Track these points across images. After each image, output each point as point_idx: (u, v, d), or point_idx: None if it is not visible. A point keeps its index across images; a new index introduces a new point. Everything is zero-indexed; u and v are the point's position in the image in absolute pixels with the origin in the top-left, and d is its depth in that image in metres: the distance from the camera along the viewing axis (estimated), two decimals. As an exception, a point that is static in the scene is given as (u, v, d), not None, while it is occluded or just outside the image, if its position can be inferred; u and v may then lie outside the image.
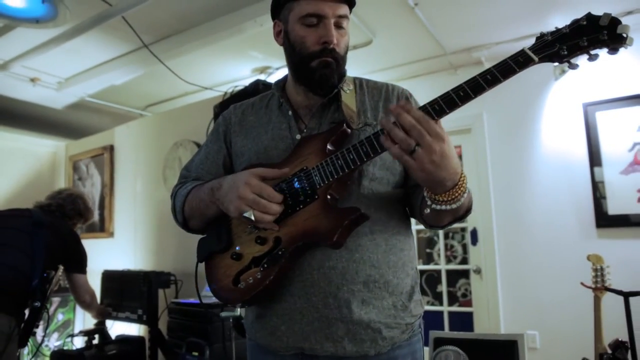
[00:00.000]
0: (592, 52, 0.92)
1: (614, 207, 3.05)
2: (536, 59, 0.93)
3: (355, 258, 1.08)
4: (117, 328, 3.13)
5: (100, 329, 2.82)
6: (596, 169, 3.11)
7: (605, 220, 3.07)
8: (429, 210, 1.02)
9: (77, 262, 2.59)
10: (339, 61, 1.16)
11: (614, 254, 2.95)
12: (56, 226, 2.50)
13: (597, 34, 0.90)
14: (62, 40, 2.86)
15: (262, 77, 3.76)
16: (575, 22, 0.93)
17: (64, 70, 3.64)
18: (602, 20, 0.90)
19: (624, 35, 0.88)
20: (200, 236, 1.26)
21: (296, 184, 1.09)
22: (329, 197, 1.06)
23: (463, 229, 3.69)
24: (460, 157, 3.78)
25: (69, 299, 3.60)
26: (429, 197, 1.00)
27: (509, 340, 1.72)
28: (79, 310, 3.63)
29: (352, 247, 1.08)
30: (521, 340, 1.70)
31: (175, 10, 2.77)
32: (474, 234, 3.61)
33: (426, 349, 1.91)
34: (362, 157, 1.02)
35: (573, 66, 0.95)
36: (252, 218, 1.05)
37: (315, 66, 1.14)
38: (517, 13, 2.92)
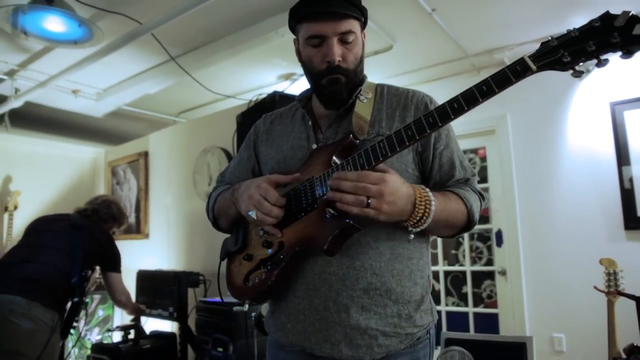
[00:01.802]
0: (602, 57, 0.83)
1: (643, 208, 2.97)
2: (534, 67, 0.88)
3: (355, 265, 1.11)
4: (151, 324, 3.32)
5: (136, 324, 3.01)
6: (624, 170, 3.04)
7: (634, 222, 2.99)
8: (412, 236, 1.08)
9: (111, 261, 2.77)
10: (349, 75, 1.19)
11: (643, 256, 2.90)
12: (92, 229, 2.68)
13: (607, 37, 0.81)
14: (98, 57, 3.07)
15: (287, 83, 3.88)
16: (588, 24, 0.85)
17: (102, 82, 3.88)
18: (618, 21, 0.80)
19: None
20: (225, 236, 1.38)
21: (301, 193, 1.16)
22: (327, 207, 1.10)
23: (488, 231, 3.68)
24: (484, 158, 3.77)
25: (108, 296, 3.84)
26: (406, 227, 1.06)
27: (517, 343, 1.75)
28: (117, 307, 3.86)
29: (353, 255, 1.11)
30: (530, 343, 1.73)
31: (201, 25, 2.91)
32: (499, 235, 3.59)
33: (439, 348, 1.97)
34: (358, 168, 1.06)
35: (577, 73, 0.87)
36: (255, 218, 1.15)
37: (325, 84, 1.19)
38: (538, 13, 2.89)
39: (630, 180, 3.01)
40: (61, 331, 2.37)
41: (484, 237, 3.75)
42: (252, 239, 1.26)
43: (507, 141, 3.53)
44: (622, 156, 3.05)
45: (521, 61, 0.89)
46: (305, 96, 1.34)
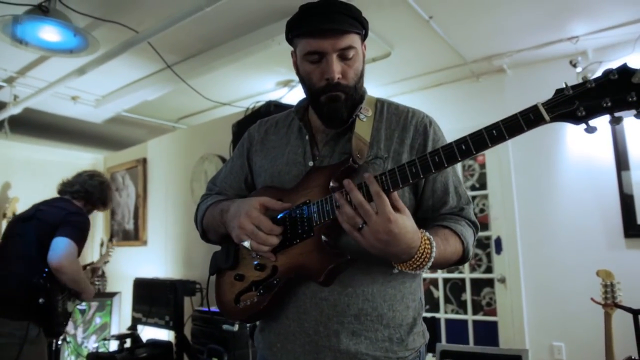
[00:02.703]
0: (617, 114, 0.79)
1: (643, 216, 2.95)
2: (548, 118, 0.83)
3: (347, 292, 1.09)
4: (147, 332, 3.31)
5: (132, 333, 3.00)
6: (624, 178, 3.02)
7: (634, 229, 2.97)
8: (396, 271, 1.05)
9: (65, 226, 2.32)
10: (348, 92, 1.15)
11: (644, 265, 2.87)
12: (48, 210, 2.40)
13: (624, 95, 0.77)
14: (96, 64, 3.08)
15: (285, 90, 3.88)
16: (605, 76, 0.80)
17: (101, 89, 3.89)
18: (636, 77, 0.76)
19: None
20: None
21: (297, 218, 1.12)
22: (323, 236, 1.08)
23: (487, 238, 3.66)
24: (483, 165, 3.75)
25: (106, 303, 3.84)
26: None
27: (513, 355, 1.73)
28: (115, 315, 3.85)
29: (345, 281, 1.09)
30: (525, 356, 1.71)
31: (198, 33, 2.92)
32: (498, 242, 3.57)
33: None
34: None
35: (590, 129, 0.82)
36: (249, 247, 1.12)
37: (324, 101, 1.15)
38: (536, 20, 2.88)
39: (630, 185, 2.99)
40: (46, 332, 2.26)
41: (483, 244, 3.73)
42: (243, 257, 1.23)
43: (506, 147, 3.51)
44: (622, 162, 3.03)
45: (534, 109, 0.85)
46: (302, 106, 1.31)
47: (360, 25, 1.16)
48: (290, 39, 1.22)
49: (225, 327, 2.20)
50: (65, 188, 2.62)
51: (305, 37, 1.14)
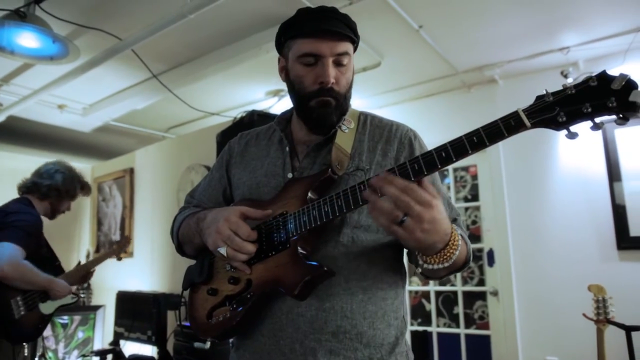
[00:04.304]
0: (597, 120, 0.80)
1: (636, 228, 2.91)
2: (529, 124, 0.83)
3: (325, 307, 1.05)
4: (131, 348, 3.21)
5: (114, 348, 2.91)
6: (616, 189, 2.99)
7: (626, 241, 2.94)
8: (421, 270, 0.99)
9: (2, 229, 2.19)
10: (339, 99, 1.13)
11: (636, 277, 2.83)
12: None
13: (604, 100, 0.77)
14: (80, 72, 3.02)
15: (274, 99, 3.83)
16: (585, 82, 0.80)
17: (88, 97, 3.83)
18: (615, 83, 0.77)
19: (637, 103, 0.75)
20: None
21: (273, 229, 1.08)
22: (299, 248, 1.04)
23: (480, 250, 3.61)
24: (475, 176, 3.71)
25: (89, 317, 3.73)
26: (420, 258, 0.97)
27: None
28: (98, 329, 3.75)
29: (323, 296, 1.05)
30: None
31: (183, 41, 2.87)
32: (490, 255, 3.52)
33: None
34: (336, 211, 0.98)
35: (572, 135, 0.82)
36: (224, 254, 1.07)
37: (314, 106, 1.13)
38: (526, 30, 2.87)
39: (622, 196, 2.96)
40: (9, 339, 2.18)
41: (475, 257, 3.67)
42: (217, 271, 1.19)
43: (498, 159, 3.48)
44: (614, 173, 3.01)
45: (515, 115, 0.84)
46: (285, 118, 1.28)
47: (355, 36, 1.15)
48: (282, 42, 1.19)
49: (196, 344, 2.09)
50: (22, 187, 2.50)
51: (302, 38, 1.12)
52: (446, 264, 0.93)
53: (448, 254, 0.92)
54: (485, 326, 3.54)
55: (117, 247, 2.95)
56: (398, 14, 2.58)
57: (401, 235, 0.87)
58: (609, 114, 0.78)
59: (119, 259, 2.93)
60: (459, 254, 0.95)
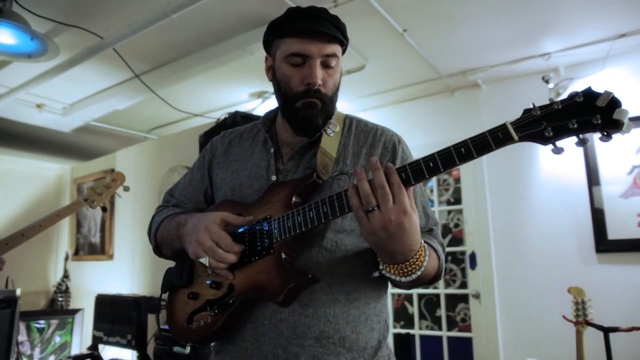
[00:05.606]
0: (582, 136, 0.81)
1: (614, 232, 2.97)
2: (517, 138, 0.84)
3: (308, 313, 1.04)
4: (110, 352, 3.15)
5: (92, 353, 2.84)
6: (595, 194, 3.04)
7: (605, 245, 2.99)
8: (377, 274, 0.99)
9: None
10: (325, 102, 1.12)
11: (615, 280, 2.88)
12: None
13: (589, 117, 0.79)
14: (60, 70, 2.96)
15: (259, 101, 3.81)
16: (571, 98, 0.82)
17: (68, 96, 3.75)
18: (600, 100, 0.78)
19: (621, 121, 0.77)
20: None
21: (257, 234, 1.07)
22: (283, 254, 1.03)
23: (462, 253, 3.63)
24: (458, 180, 3.74)
25: (67, 321, 3.64)
26: (380, 262, 0.97)
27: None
28: (76, 333, 3.66)
29: (306, 302, 1.04)
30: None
31: (167, 41, 2.83)
32: (473, 257, 3.55)
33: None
34: (321, 217, 0.98)
35: (558, 150, 0.83)
36: (207, 264, 1.06)
37: (300, 107, 1.11)
38: (510, 36, 2.90)
39: (601, 200, 3.01)
40: None
41: (457, 259, 3.70)
42: (198, 275, 1.17)
43: (481, 163, 3.51)
44: (593, 178, 3.06)
45: (503, 128, 0.84)
46: (269, 118, 1.26)
47: (344, 39, 1.14)
48: (270, 41, 1.17)
49: (175, 349, 2.05)
50: None
51: (291, 37, 1.11)
52: (403, 279, 0.94)
53: (406, 270, 0.93)
54: (468, 329, 3.56)
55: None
56: (383, 17, 2.59)
57: (364, 224, 0.87)
58: (594, 131, 0.80)
59: (103, 209, 2.55)
60: (424, 272, 0.95)
